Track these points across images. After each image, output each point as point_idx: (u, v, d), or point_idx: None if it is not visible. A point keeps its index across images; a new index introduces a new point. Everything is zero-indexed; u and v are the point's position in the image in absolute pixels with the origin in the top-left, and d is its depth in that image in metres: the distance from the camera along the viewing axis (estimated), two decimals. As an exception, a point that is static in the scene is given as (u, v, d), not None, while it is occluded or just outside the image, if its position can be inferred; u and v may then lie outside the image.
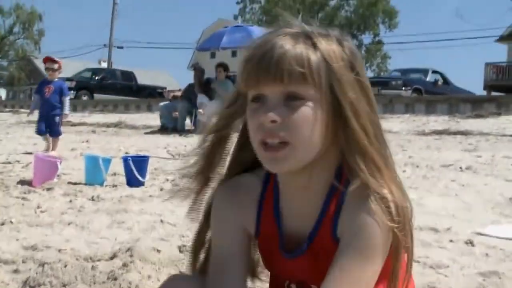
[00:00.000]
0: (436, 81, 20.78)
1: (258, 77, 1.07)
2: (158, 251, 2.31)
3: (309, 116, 1.05)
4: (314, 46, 1.08)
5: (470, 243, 2.66)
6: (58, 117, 7.25)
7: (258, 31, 11.66)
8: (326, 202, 1.14)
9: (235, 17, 44.08)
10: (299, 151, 1.06)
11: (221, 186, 1.23)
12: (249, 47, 1.11)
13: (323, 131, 1.08)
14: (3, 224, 2.96)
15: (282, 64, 1.04)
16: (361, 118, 1.08)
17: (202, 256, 1.30)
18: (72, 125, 13.14)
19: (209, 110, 10.45)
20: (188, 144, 8.24)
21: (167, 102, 11.70)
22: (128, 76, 26.46)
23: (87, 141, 9.00)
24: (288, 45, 1.06)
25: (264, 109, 1.06)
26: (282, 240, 1.19)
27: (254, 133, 1.09)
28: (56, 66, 7.25)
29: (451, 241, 2.72)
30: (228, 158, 1.24)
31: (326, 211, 1.14)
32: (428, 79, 20.79)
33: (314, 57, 1.06)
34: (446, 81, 21.67)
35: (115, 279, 2.03)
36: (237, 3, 49.56)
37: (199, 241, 1.29)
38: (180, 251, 2.37)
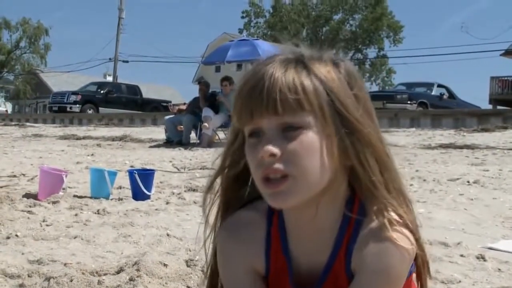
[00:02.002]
0: (441, 95, 20.76)
1: (251, 111, 1.01)
2: (165, 265, 2.28)
3: (310, 145, 0.99)
4: (307, 69, 1.02)
5: (482, 258, 2.62)
6: None
7: (263, 45, 11.70)
8: (340, 234, 1.07)
9: (240, 31, 44.35)
10: (303, 183, 1.00)
11: (223, 227, 1.16)
12: (240, 80, 1.06)
13: (328, 159, 1.01)
14: (8, 237, 2.94)
15: (274, 94, 0.98)
16: (371, 137, 1.03)
17: None
18: (77, 139, 13.14)
19: (214, 123, 10.47)
20: (193, 158, 8.23)
21: (172, 116, 11.70)
22: (133, 90, 26.56)
23: (92, 154, 8.98)
24: (278, 73, 1.00)
25: (262, 143, 1.00)
26: (292, 278, 1.12)
27: (255, 170, 1.02)
28: None
29: (462, 255, 2.68)
30: (223, 195, 1.17)
31: (341, 244, 1.07)
32: (433, 93, 20.79)
33: (307, 81, 1.00)
34: (451, 95, 21.65)
35: (122, 293, 2.00)
36: (242, 17, 49.83)
37: (213, 285, 1.23)
38: (188, 266, 2.34)
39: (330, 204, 1.07)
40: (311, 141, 0.99)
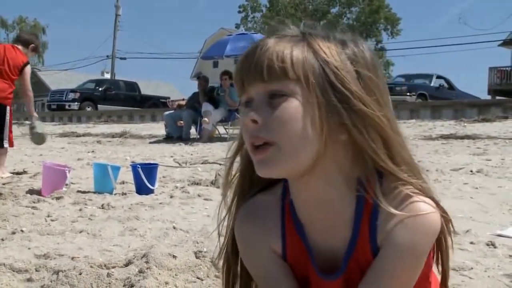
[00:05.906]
0: (440, 86, 20.74)
1: (242, 79, 1.04)
2: (174, 257, 2.25)
3: (292, 113, 0.99)
4: (303, 42, 1.03)
5: (492, 244, 2.61)
6: None
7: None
8: (358, 213, 1.06)
9: (237, 26, 44.20)
10: (286, 151, 1.00)
11: (240, 212, 1.16)
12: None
13: (312, 129, 1.00)
14: (14, 233, 2.92)
15: (261, 61, 1.01)
16: (369, 111, 1.01)
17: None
18: (77, 136, 13.12)
19: (214, 118, 10.44)
20: (194, 152, 8.21)
21: (172, 111, 11.68)
22: (132, 86, 26.50)
23: (93, 151, 8.96)
24: (271, 44, 1.03)
25: (248, 110, 1.02)
26: (314, 259, 1.10)
27: (245, 138, 1.04)
28: None
29: (471, 243, 2.67)
30: (239, 179, 1.17)
31: (360, 223, 1.05)
32: (432, 84, 20.78)
33: (297, 51, 1.01)
34: (451, 86, 21.63)
35: (132, 286, 1.99)
36: (239, 12, 49.71)
37: (231, 273, 1.22)
38: (197, 257, 2.32)
39: (337, 182, 1.05)
40: (293, 108, 0.99)
